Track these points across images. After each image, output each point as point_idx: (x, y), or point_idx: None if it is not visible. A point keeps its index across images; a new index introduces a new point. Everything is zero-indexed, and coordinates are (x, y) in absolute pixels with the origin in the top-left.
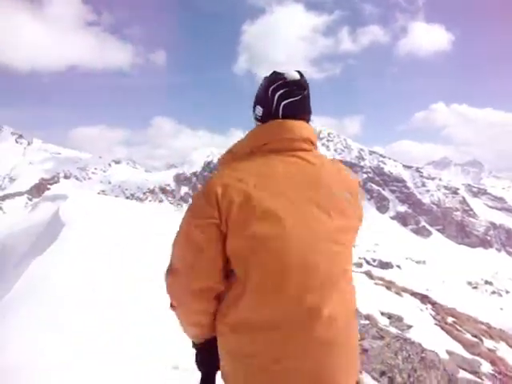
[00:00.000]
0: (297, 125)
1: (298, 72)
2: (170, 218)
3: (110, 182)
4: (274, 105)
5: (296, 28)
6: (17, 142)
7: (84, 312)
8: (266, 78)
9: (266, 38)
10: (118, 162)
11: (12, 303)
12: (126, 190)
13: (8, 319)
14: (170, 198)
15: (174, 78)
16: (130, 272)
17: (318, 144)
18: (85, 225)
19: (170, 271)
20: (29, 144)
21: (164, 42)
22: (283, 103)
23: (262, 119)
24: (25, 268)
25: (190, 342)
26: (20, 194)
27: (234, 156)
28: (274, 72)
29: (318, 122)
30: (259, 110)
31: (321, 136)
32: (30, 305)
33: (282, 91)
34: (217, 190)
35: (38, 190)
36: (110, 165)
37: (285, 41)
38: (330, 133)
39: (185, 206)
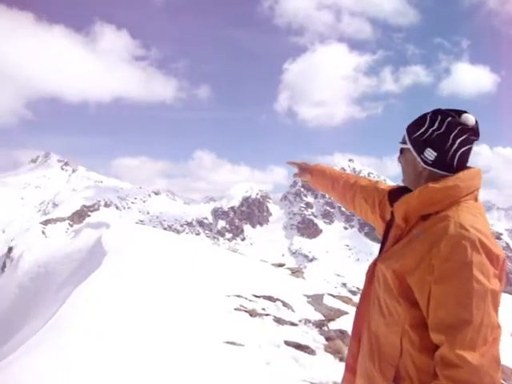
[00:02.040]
0: (480, 175)
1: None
2: (206, 251)
3: (148, 213)
4: (452, 151)
5: (338, 67)
6: (62, 168)
7: (127, 338)
8: (440, 119)
9: (308, 76)
10: (157, 193)
11: (56, 328)
12: (164, 221)
13: (53, 344)
14: (206, 231)
15: (215, 112)
16: (171, 300)
17: None
18: (126, 253)
19: (477, 342)
20: (73, 171)
21: (208, 77)
22: (461, 150)
23: (434, 165)
24: (67, 293)
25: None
26: (62, 219)
27: (459, 195)
28: (449, 114)
29: (358, 162)
30: (431, 154)
31: (360, 175)
32: (75, 330)
33: (462, 138)
34: (498, 252)
35: (79, 216)
36: (149, 195)
37: (326, 79)
38: (371, 173)
39: (221, 240)
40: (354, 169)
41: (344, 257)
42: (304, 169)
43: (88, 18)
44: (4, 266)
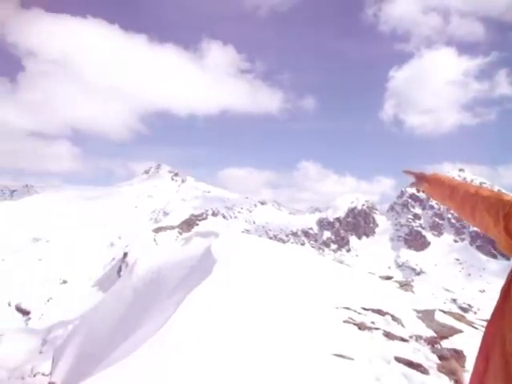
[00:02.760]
0: None
1: None
2: (313, 261)
3: (254, 222)
4: None
5: (446, 72)
6: (172, 179)
7: (237, 345)
8: None
9: (414, 83)
10: (263, 203)
11: (172, 330)
12: (270, 230)
13: (171, 345)
14: (312, 242)
15: (321, 123)
16: (279, 310)
17: None
18: (235, 262)
19: None
20: (183, 182)
21: (313, 88)
22: None
23: None
24: (179, 298)
25: None
26: (172, 227)
27: None
28: None
29: (469, 171)
30: None
31: None
32: (189, 334)
33: None
34: None
35: (188, 225)
36: (255, 205)
37: (434, 85)
38: (483, 182)
39: (326, 251)
40: (464, 178)
41: (454, 271)
42: (420, 178)
43: (196, 36)
44: (119, 270)
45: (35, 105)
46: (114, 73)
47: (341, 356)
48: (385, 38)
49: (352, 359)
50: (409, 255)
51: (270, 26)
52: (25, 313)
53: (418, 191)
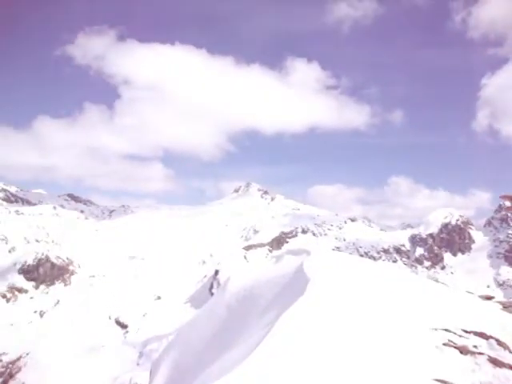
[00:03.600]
0: None
1: None
2: (406, 279)
3: (344, 239)
4: None
5: None
6: (262, 197)
7: (334, 367)
8: None
9: (510, 89)
10: (353, 220)
11: (267, 352)
12: (361, 247)
13: (263, 368)
14: (404, 259)
15: (410, 137)
16: (375, 330)
17: None
18: (328, 281)
19: None
20: (272, 200)
21: (400, 101)
22: None
23: None
24: (272, 317)
25: None
26: (262, 245)
27: None
28: None
29: None
30: None
31: None
32: (284, 356)
33: None
34: None
35: (278, 242)
36: (345, 222)
37: None
38: None
39: (420, 268)
40: None
41: None
42: None
43: (280, 55)
44: (211, 287)
45: (130, 129)
46: (203, 95)
47: (443, 382)
48: (475, 44)
49: None
50: (510, 273)
51: (354, 39)
52: (123, 326)
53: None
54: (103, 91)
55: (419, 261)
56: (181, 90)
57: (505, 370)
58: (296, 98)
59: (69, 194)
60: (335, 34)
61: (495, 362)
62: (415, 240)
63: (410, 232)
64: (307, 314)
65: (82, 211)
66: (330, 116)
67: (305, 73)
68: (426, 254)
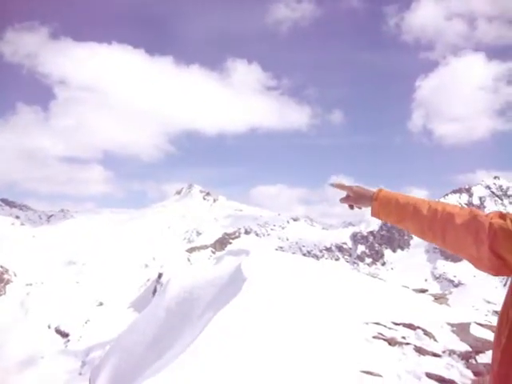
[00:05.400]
0: None
1: None
2: (346, 276)
3: (287, 239)
4: None
5: (475, 78)
6: (204, 199)
7: (260, 361)
8: None
9: (442, 91)
10: (295, 220)
11: (198, 351)
12: (303, 246)
13: (193, 364)
14: (346, 257)
15: (350, 137)
16: (307, 326)
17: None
18: (265, 280)
19: None
20: (214, 201)
21: (340, 102)
22: None
23: None
24: (208, 318)
25: None
26: (205, 247)
27: None
28: None
29: (505, 178)
30: None
31: (509, 193)
32: (213, 352)
33: None
34: None
35: (221, 243)
36: (288, 222)
37: (463, 93)
38: None
39: (361, 265)
40: (500, 186)
41: (494, 282)
42: (362, 195)
43: (220, 55)
44: (155, 290)
45: (67, 131)
46: (142, 96)
47: (369, 373)
48: (409, 47)
49: (381, 376)
50: (446, 267)
51: (293, 41)
52: (64, 335)
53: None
54: (37, 91)
55: (361, 258)
56: (119, 91)
57: (428, 357)
58: (237, 99)
59: (2, 198)
60: (275, 36)
61: (420, 350)
62: (356, 238)
63: (351, 230)
64: (240, 312)
65: (17, 217)
66: (271, 117)
67: (245, 74)
68: (367, 251)
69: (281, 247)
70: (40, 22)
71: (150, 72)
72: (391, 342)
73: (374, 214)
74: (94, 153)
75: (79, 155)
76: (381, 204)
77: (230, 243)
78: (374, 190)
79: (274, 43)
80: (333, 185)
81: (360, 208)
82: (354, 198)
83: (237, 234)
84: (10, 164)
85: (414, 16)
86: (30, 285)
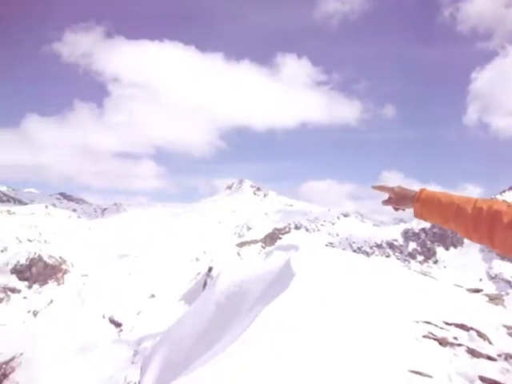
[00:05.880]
0: None
1: None
2: (396, 274)
3: (337, 235)
4: None
5: None
6: (255, 194)
7: (307, 356)
8: None
9: (500, 82)
10: (346, 216)
11: (245, 344)
12: (354, 243)
13: (240, 357)
14: (397, 254)
15: (401, 131)
16: (356, 323)
17: None
18: (314, 276)
19: None
20: (264, 196)
21: (391, 96)
22: None
23: None
24: (256, 313)
25: None
26: (255, 241)
27: None
28: None
29: None
30: None
31: None
32: (260, 346)
33: None
34: None
35: (271, 238)
36: (338, 218)
37: None
38: None
39: (413, 263)
40: None
41: None
42: (404, 196)
43: (270, 51)
44: (205, 284)
45: (121, 127)
46: (193, 92)
47: (418, 373)
48: (464, 38)
49: (430, 376)
50: (502, 267)
51: (343, 35)
52: (117, 325)
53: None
54: (92, 89)
55: (412, 255)
56: (170, 87)
57: (481, 360)
58: (286, 94)
59: (61, 192)
60: (324, 30)
61: (473, 352)
62: (408, 235)
63: (402, 227)
64: (287, 308)
65: (74, 210)
66: (321, 111)
67: (295, 69)
68: (418, 248)
69: (331, 243)
70: (95, 22)
71: (200, 68)
72: (442, 343)
73: (416, 215)
74: (147, 148)
75: (132, 151)
76: (423, 205)
77: (280, 238)
78: (417, 190)
79: (324, 37)
80: (374, 187)
81: (403, 210)
82: (396, 200)
83: (287, 229)
84: (68, 159)
85: (470, 5)
86: (86, 275)
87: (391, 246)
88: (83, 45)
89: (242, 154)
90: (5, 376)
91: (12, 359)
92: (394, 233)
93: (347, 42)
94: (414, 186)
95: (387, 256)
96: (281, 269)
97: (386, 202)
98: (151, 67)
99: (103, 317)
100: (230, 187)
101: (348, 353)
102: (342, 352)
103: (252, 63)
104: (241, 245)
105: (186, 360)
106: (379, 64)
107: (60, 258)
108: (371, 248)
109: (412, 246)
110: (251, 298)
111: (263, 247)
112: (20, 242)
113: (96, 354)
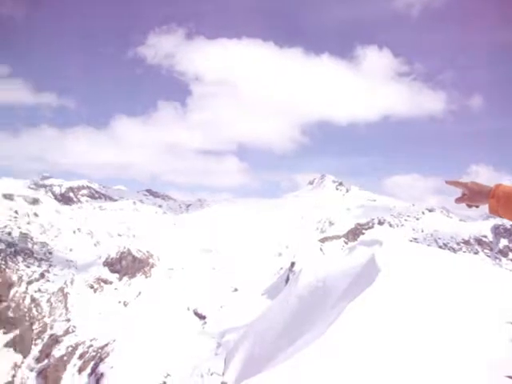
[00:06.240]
0: None
1: None
2: (486, 272)
3: (422, 231)
4: None
5: None
6: (337, 189)
7: (393, 353)
8: None
9: None
10: (431, 210)
11: (330, 341)
12: (439, 239)
13: (330, 351)
14: (486, 251)
15: (490, 122)
16: (441, 322)
17: None
18: (399, 272)
19: None
20: (347, 191)
21: (480, 85)
22: None
23: None
24: (341, 308)
25: None
26: (337, 237)
27: None
28: None
29: None
30: None
31: None
32: (348, 342)
33: None
34: None
35: (354, 234)
36: (423, 213)
37: None
38: None
39: (504, 261)
40: None
41: None
42: (478, 192)
43: (350, 43)
44: (287, 279)
45: (203, 125)
46: (274, 87)
47: None
48: None
49: None
50: None
51: (426, 23)
52: (201, 317)
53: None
54: (175, 89)
55: (503, 253)
56: (251, 84)
57: None
58: (368, 87)
59: (147, 189)
60: (405, 19)
61: None
62: (499, 231)
63: (492, 222)
64: (373, 305)
65: (160, 206)
66: (404, 103)
67: (376, 60)
68: (510, 245)
69: (415, 239)
70: (177, 24)
71: (280, 64)
72: None
73: (492, 212)
74: (229, 145)
75: (215, 148)
76: (499, 201)
77: (363, 234)
78: (492, 186)
79: (405, 27)
80: (447, 182)
81: (477, 207)
82: (470, 196)
83: (370, 224)
84: (154, 157)
85: None
86: (172, 269)
87: (480, 242)
88: (166, 47)
89: (323, 149)
90: (101, 360)
91: (106, 345)
92: (483, 228)
93: (430, 31)
94: (504, 179)
95: (475, 253)
96: (365, 264)
97: (459, 200)
98: (231, 65)
99: (188, 309)
100: (311, 182)
101: (437, 356)
102: (430, 355)
103: (332, 57)
104: (323, 240)
105: (268, 354)
106: (465, 52)
107: (147, 252)
108: (458, 244)
109: (503, 242)
110: (335, 293)
111: (346, 242)
112: (111, 236)
113: (181, 345)
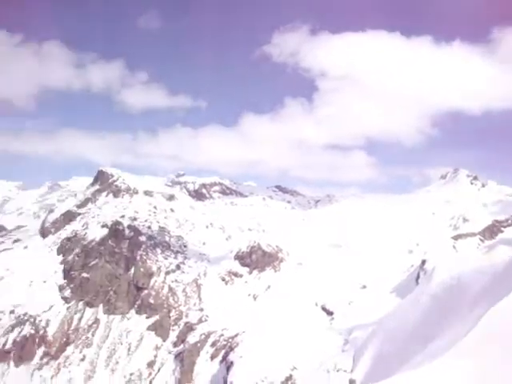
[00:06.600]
0: None
1: None
2: None
3: None
4: None
5: None
6: (471, 183)
7: None
8: None
9: None
10: None
11: (468, 349)
12: None
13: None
14: None
15: None
16: None
17: None
18: None
19: None
20: (483, 186)
21: None
22: None
23: None
24: (481, 312)
25: None
26: (472, 234)
27: None
28: None
29: None
30: None
31: None
32: (484, 354)
33: None
34: None
35: (491, 231)
36: None
37: None
38: None
39: None
40: None
41: None
42: None
43: (484, 27)
44: (418, 277)
45: (330, 119)
46: (401, 79)
47: None
48: None
49: None
50: None
51: None
52: (329, 313)
53: None
54: (301, 85)
55: None
56: (377, 77)
57: None
58: (505, 73)
59: (277, 185)
60: None
61: None
62: None
63: None
64: None
65: (288, 202)
66: None
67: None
68: None
69: None
70: (301, 21)
71: (407, 54)
72: None
73: None
74: (357, 139)
75: (342, 142)
76: None
77: (502, 231)
78: None
79: None
80: None
81: None
82: None
83: (509, 221)
84: (282, 153)
85: None
86: (300, 264)
87: None
88: (290, 44)
89: (455, 141)
90: (231, 349)
91: (236, 335)
92: None
93: None
94: None
95: None
96: (508, 264)
97: None
98: (356, 59)
99: (316, 304)
100: (444, 177)
101: None
102: None
103: (464, 43)
104: (456, 237)
105: (398, 354)
106: None
107: (277, 246)
108: None
109: None
110: (471, 292)
111: (482, 241)
112: (242, 231)
113: (307, 339)
